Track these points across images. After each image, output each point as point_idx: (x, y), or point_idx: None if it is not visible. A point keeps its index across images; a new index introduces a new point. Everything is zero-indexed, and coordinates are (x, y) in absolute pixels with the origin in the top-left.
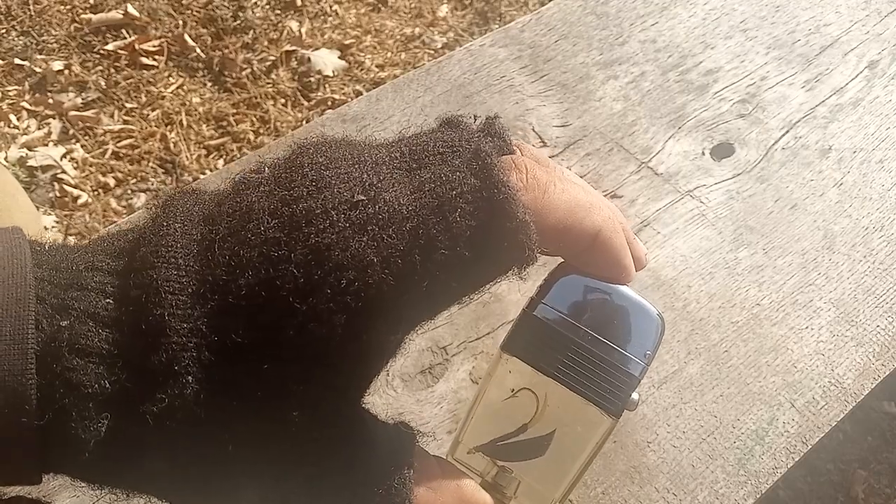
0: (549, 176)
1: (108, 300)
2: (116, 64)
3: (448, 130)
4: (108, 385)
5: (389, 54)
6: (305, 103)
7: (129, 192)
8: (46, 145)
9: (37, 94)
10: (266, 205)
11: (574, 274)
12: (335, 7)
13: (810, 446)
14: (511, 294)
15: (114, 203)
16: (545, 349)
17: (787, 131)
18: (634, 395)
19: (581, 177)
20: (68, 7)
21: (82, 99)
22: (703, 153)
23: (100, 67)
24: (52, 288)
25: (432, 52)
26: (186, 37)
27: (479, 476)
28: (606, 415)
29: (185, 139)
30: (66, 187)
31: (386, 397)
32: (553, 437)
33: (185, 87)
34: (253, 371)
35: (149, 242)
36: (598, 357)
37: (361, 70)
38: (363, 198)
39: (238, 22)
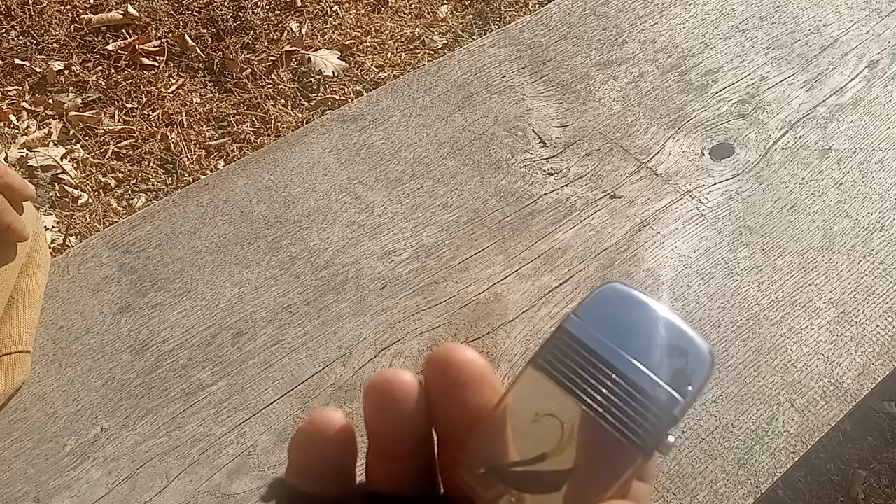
0: None
1: None
2: (116, 64)
3: None
4: None
5: (389, 55)
6: (306, 103)
7: (130, 192)
8: (47, 145)
9: (37, 94)
10: None
11: (617, 285)
12: (335, 7)
13: (810, 446)
14: (511, 294)
15: (114, 203)
16: (574, 368)
17: (787, 131)
18: (670, 438)
19: (580, 177)
20: (68, 7)
21: (82, 99)
22: (703, 153)
23: (100, 67)
24: None
25: (432, 52)
26: (186, 37)
27: (483, 499)
28: (635, 453)
29: (185, 139)
30: (66, 187)
31: None
32: (573, 473)
33: (185, 88)
34: None
35: None
36: (634, 386)
37: (361, 70)
38: None
39: (238, 22)
